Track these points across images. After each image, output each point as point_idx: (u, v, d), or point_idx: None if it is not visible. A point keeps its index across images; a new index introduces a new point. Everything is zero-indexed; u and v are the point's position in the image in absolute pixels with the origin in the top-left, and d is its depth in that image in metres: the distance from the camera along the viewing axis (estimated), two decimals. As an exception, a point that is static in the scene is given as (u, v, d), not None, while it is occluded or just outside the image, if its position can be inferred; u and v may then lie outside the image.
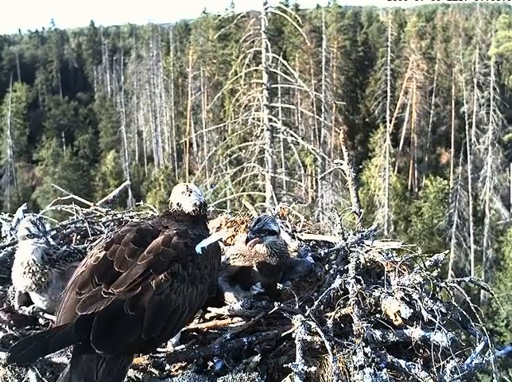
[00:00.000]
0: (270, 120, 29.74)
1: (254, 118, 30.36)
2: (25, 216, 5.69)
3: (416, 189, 59.41)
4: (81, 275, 3.50)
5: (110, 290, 3.32)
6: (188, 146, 65.34)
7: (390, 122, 58.89)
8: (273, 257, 4.78)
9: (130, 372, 3.65)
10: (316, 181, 43.36)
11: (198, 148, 65.38)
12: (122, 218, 6.47)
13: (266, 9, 29.98)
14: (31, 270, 4.40)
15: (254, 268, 4.82)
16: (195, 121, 66.26)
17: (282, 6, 34.07)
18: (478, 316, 4.33)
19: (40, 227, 4.37)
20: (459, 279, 4.69)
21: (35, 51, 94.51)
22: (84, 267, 3.56)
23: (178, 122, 70.41)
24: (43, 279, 4.42)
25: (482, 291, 32.58)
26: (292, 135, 30.19)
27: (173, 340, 4.00)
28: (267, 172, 29.26)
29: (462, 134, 58.34)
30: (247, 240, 4.66)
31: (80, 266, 3.67)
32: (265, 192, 30.07)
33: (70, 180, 59.04)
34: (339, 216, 5.57)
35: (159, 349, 3.93)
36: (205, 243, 3.86)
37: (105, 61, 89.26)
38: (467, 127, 55.39)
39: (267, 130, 29.33)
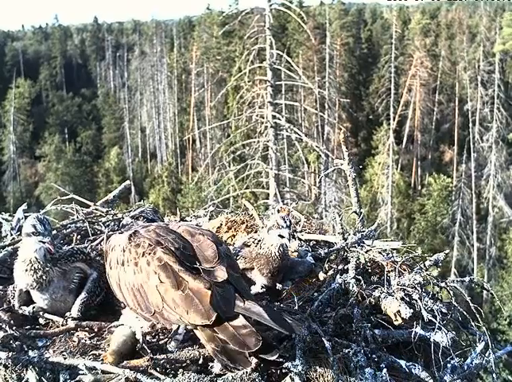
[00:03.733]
0: (274, 117, 29.65)
1: (257, 115, 30.29)
2: (25, 216, 5.69)
3: (420, 187, 59.36)
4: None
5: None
6: (191, 142, 65.36)
7: (394, 119, 58.81)
8: (276, 259, 4.76)
9: (131, 374, 3.64)
10: (320, 179, 43.34)
11: (201, 145, 65.40)
12: (122, 218, 6.45)
13: (271, 5, 29.89)
14: (33, 268, 4.40)
15: (255, 270, 4.82)
16: (198, 117, 66.26)
17: (286, 3, 33.86)
18: (478, 316, 4.32)
19: (46, 226, 4.37)
20: (459, 279, 4.69)
21: (38, 47, 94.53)
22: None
23: (181, 118, 70.43)
24: (44, 277, 4.43)
25: (485, 289, 32.49)
26: (295, 132, 30.13)
27: (179, 337, 4.02)
28: (271, 169, 29.19)
29: (465, 132, 58.26)
30: (292, 237, 4.67)
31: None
32: (268, 189, 30.03)
33: (73, 176, 59.24)
34: (340, 215, 5.57)
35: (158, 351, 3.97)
36: None
37: (108, 57, 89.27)
38: (470, 125, 55.35)
39: (271, 127, 29.24)
